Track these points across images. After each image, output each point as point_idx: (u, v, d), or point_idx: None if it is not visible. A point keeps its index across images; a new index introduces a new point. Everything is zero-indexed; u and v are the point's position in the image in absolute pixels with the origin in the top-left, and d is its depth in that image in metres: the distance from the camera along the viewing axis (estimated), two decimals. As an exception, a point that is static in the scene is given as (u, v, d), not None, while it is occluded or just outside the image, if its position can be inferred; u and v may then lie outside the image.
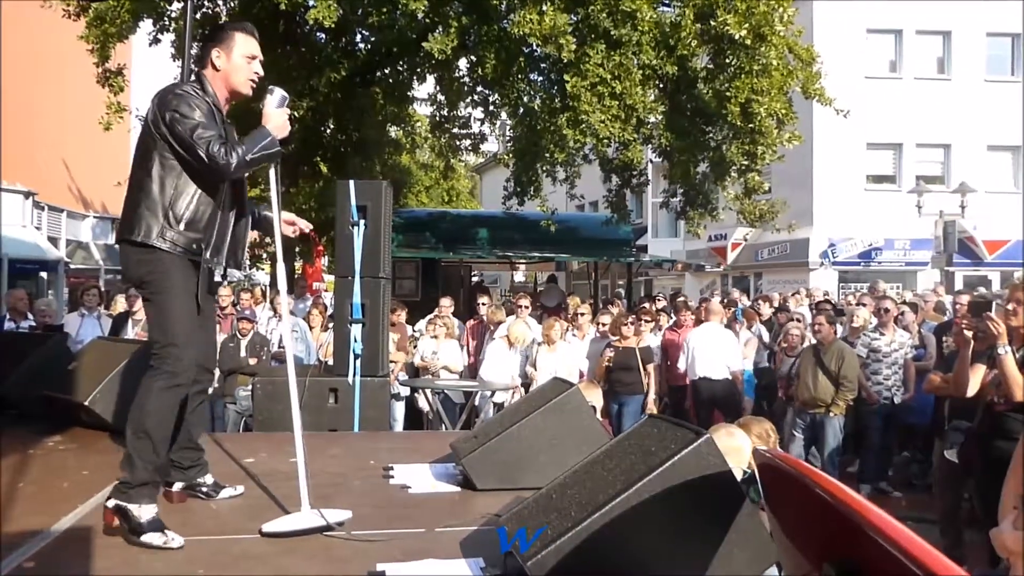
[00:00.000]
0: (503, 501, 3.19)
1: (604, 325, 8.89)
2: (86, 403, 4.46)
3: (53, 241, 20.34)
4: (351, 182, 5.76)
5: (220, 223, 3.10)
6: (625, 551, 2.29)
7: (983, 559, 4.49)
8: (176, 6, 12.45)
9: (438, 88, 14.36)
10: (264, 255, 21.31)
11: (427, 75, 13.75)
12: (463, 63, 12.78)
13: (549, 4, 9.91)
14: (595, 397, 5.26)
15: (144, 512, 2.79)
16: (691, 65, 10.79)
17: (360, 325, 5.58)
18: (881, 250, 21.60)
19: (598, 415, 4.65)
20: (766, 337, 9.65)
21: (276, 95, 3.17)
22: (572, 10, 10.27)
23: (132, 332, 8.10)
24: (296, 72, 12.25)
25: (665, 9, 11.03)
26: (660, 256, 21.94)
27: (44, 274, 19.22)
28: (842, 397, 7.29)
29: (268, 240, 15.30)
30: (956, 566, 1.31)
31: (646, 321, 8.94)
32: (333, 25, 10.13)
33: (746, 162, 11.19)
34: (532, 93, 11.64)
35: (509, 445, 3.55)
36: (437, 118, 15.13)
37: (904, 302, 10.04)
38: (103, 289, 11.08)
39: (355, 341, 5.55)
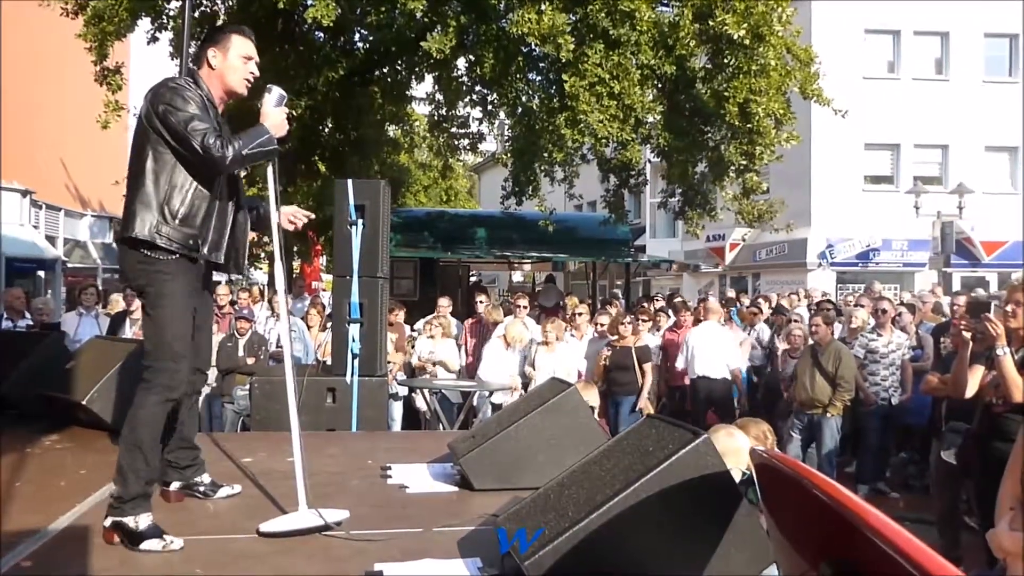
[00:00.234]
0: (501, 501, 3.19)
1: (602, 325, 8.89)
2: (84, 402, 4.46)
3: (51, 240, 20.32)
4: (349, 181, 5.76)
5: (218, 218, 3.09)
6: (623, 551, 2.29)
7: (980, 560, 4.49)
8: (174, 4, 12.44)
9: (436, 87, 14.35)
10: (262, 254, 21.30)
11: (425, 74, 13.74)
12: (461, 62, 12.77)
13: (548, 4, 9.91)
14: (592, 397, 5.27)
15: (140, 522, 2.79)
16: (689, 65, 10.79)
17: (358, 325, 5.58)
18: (879, 251, 21.63)
19: (595, 415, 4.66)
20: (766, 337, 9.67)
21: (274, 94, 3.18)
22: (571, 10, 10.27)
23: (130, 331, 8.09)
24: (294, 71, 12.23)
25: (664, 9, 11.04)
26: (658, 256, 21.94)
27: (42, 273, 19.21)
28: (839, 398, 7.29)
29: (266, 240, 15.29)
30: (953, 567, 1.31)
31: (643, 321, 8.96)
32: (331, 24, 10.13)
33: (744, 162, 11.19)
34: (530, 93, 11.64)
35: (507, 445, 3.55)
36: (435, 117, 15.12)
37: (902, 303, 10.05)
38: (101, 288, 11.05)
39: (353, 341, 5.54)
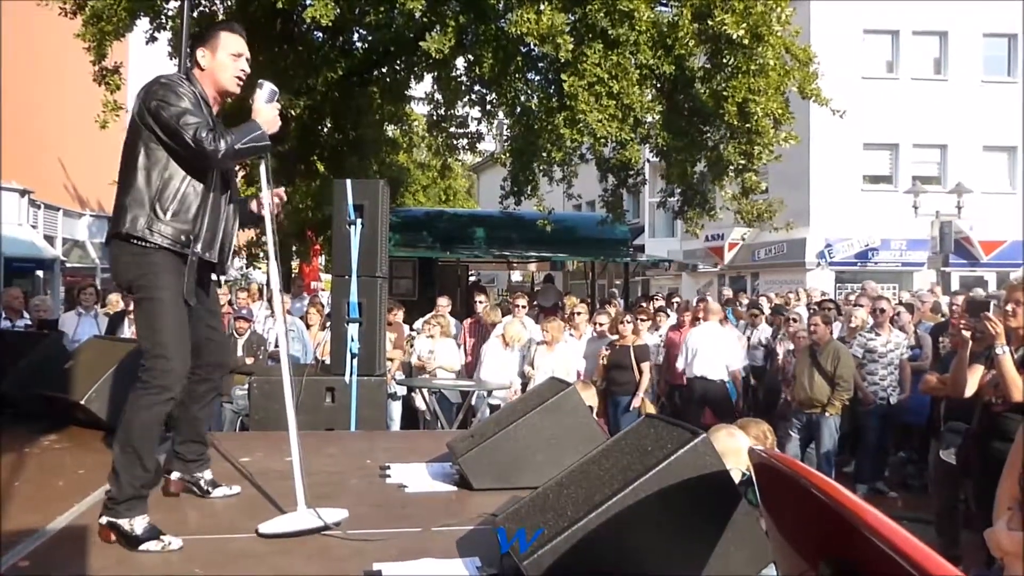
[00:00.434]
0: (500, 501, 3.19)
1: (601, 325, 8.89)
2: (82, 402, 4.45)
3: (49, 240, 20.29)
4: (348, 181, 5.76)
5: (211, 215, 3.03)
6: (622, 551, 2.29)
7: (979, 559, 4.49)
8: (173, 4, 12.42)
9: (435, 87, 14.35)
10: (261, 254, 21.28)
11: (424, 74, 13.75)
12: (460, 62, 12.77)
13: (546, 3, 9.91)
14: (590, 397, 5.27)
15: (136, 524, 2.76)
16: (688, 65, 10.80)
17: (357, 324, 5.57)
18: (877, 250, 21.63)
19: (593, 415, 4.65)
20: (765, 338, 9.68)
21: (265, 89, 3.13)
22: (569, 9, 10.27)
23: (128, 331, 8.08)
24: (293, 71, 12.23)
25: (663, 9, 11.05)
26: (657, 256, 21.95)
27: (40, 273, 19.17)
28: (838, 397, 7.29)
29: (264, 239, 15.26)
30: (951, 566, 1.31)
31: (642, 320, 8.96)
32: (330, 24, 10.12)
33: (743, 162, 11.19)
34: (529, 92, 11.65)
35: (506, 445, 3.55)
36: (434, 117, 15.11)
37: (900, 302, 10.06)
38: (99, 288, 11.05)
39: (352, 340, 5.54)
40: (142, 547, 2.73)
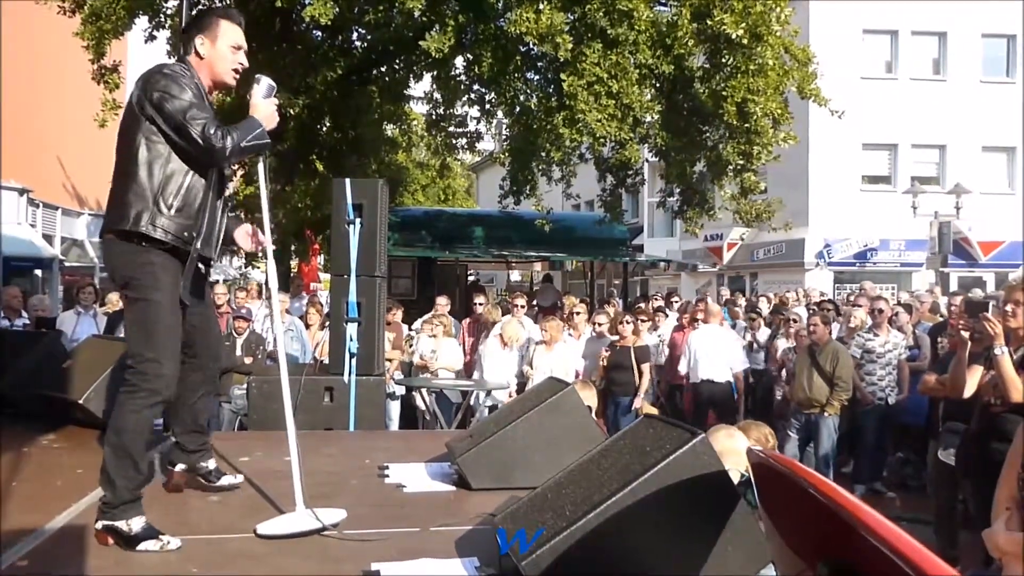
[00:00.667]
0: (498, 501, 3.18)
1: (600, 325, 8.89)
2: (80, 401, 4.45)
3: (48, 239, 20.27)
4: (347, 180, 5.75)
5: (210, 212, 2.97)
6: (620, 551, 2.29)
7: (977, 559, 4.50)
8: (171, 3, 12.40)
9: (434, 86, 14.33)
10: (259, 253, 21.24)
11: (423, 73, 13.73)
12: (459, 62, 12.76)
13: (546, 3, 9.90)
14: (589, 397, 5.26)
15: (134, 524, 2.73)
16: (687, 64, 10.80)
17: (356, 324, 5.57)
18: (876, 251, 21.65)
19: (592, 415, 4.65)
20: (763, 339, 9.67)
21: (263, 84, 3.06)
22: (569, 9, 10.27)
23: (127, 330, 8.07)
24: (292, 70, 12.21)
25: (662, 8, 11.05)
26: (656, 256, 21.95)
27: (39, 272, 19.15)
28: (837, 397, 7.30)
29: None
30: (949, 566, 1.32)
31: (642, 320, 8.96)
32: (329, 23, 10.12)
33: (742, 162, 11.20)
34: (528, 92, 11.64)
35: (505, 444, 3.55)
36: (433, 117, 15.10)
37: (899, 303, 10.06)
38: (98, 287, 11.04)
39: (351, 340, 5.54)
40: (140, 547, 2.71)
